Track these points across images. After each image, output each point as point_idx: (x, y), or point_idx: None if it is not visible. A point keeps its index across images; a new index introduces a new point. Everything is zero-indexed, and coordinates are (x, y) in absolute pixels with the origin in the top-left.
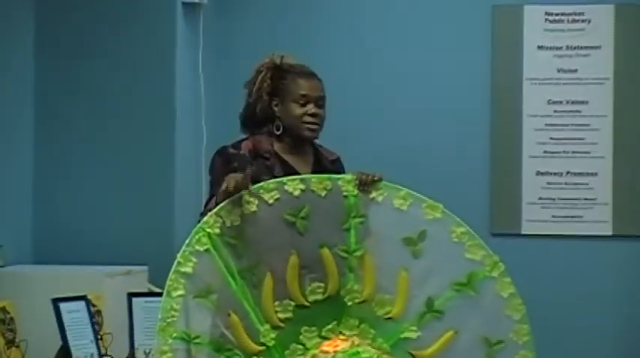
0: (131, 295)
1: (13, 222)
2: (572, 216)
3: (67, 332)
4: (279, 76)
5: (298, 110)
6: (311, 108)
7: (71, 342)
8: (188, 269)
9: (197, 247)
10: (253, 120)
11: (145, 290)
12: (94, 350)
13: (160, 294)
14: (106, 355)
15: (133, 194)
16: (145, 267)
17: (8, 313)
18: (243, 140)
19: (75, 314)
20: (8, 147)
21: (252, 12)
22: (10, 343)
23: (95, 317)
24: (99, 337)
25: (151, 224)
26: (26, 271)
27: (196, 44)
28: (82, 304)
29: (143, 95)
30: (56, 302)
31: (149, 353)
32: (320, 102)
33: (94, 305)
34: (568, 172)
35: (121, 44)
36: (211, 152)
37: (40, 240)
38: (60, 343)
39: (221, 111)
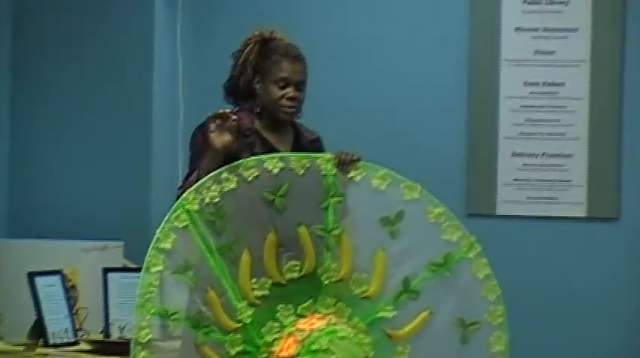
0: (106, 270)
1: None
2: (547, 198)
3: (42, 307)
4: (264, 53)
5: (277, 92)
6: (290, 91)
7: (46, 316)
8: (167, 246)
9: (176, 223)
10: (236, 92)
11: (121, 265)
12: (69, 325)
13: (135, 270)
14: (81, 330)
15: (110, 169)
16: (121, 243)
17: None
18: None
19: (50, 289)
20: None
21: None
22: None
23: (70, 292)
24: (74, 312)
25: (127, 199)
26: (1, 244)
27: (175, 20)
28: (57, 278)
29: (120, 71)
30: (31, 276)
31: (124, 328)
32: (300, 86)
33: (69, 280)
34: (544, 154)
35: (99, 19)
36: (188, 128)
37: (15, 214)
38: (35, 317)
39: (199, 87)
